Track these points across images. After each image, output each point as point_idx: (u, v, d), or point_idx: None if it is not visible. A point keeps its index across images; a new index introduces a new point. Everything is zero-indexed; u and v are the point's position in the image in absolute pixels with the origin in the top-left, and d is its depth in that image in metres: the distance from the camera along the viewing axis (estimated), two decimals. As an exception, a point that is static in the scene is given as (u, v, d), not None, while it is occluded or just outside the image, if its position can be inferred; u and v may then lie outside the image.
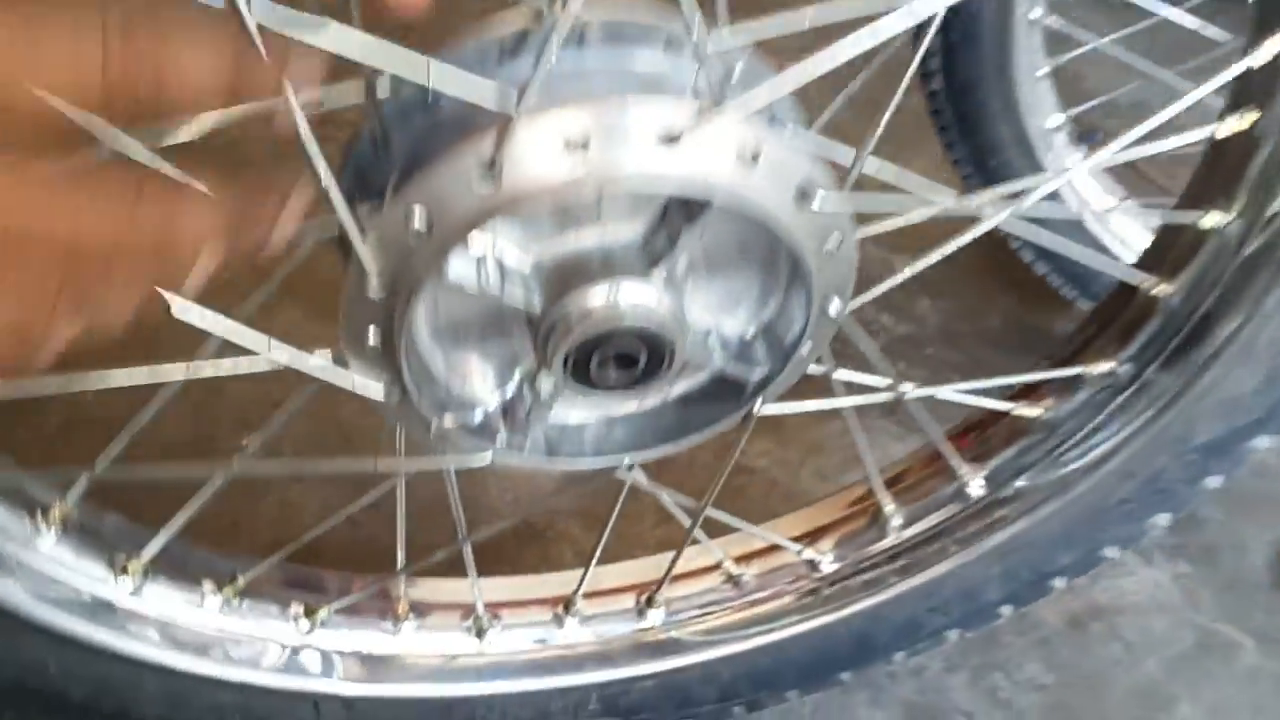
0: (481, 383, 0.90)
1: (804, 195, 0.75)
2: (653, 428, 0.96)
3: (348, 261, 0.73)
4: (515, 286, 0.77)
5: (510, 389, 0.91)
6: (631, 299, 0.77)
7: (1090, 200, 1.57)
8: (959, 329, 1.69)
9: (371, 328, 0.78)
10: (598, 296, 0.76)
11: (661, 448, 0.95)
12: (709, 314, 0.88)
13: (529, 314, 0.79)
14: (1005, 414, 1.22)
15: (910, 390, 1.03)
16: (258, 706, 1.18)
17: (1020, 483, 1.23)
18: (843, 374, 1.06)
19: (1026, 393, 1.21)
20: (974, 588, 1.27)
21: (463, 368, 0.88)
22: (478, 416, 0.91)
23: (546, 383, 0.87)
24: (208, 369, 0.82)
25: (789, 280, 0.86)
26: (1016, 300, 1.73)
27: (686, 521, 1.13)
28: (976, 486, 1.24)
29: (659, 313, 0.76)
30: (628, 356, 0.79)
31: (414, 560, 1.13)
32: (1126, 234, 1.62)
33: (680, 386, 0.94)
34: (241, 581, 1.15)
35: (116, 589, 1.06)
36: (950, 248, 0.88)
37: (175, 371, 0.83)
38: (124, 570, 1.06)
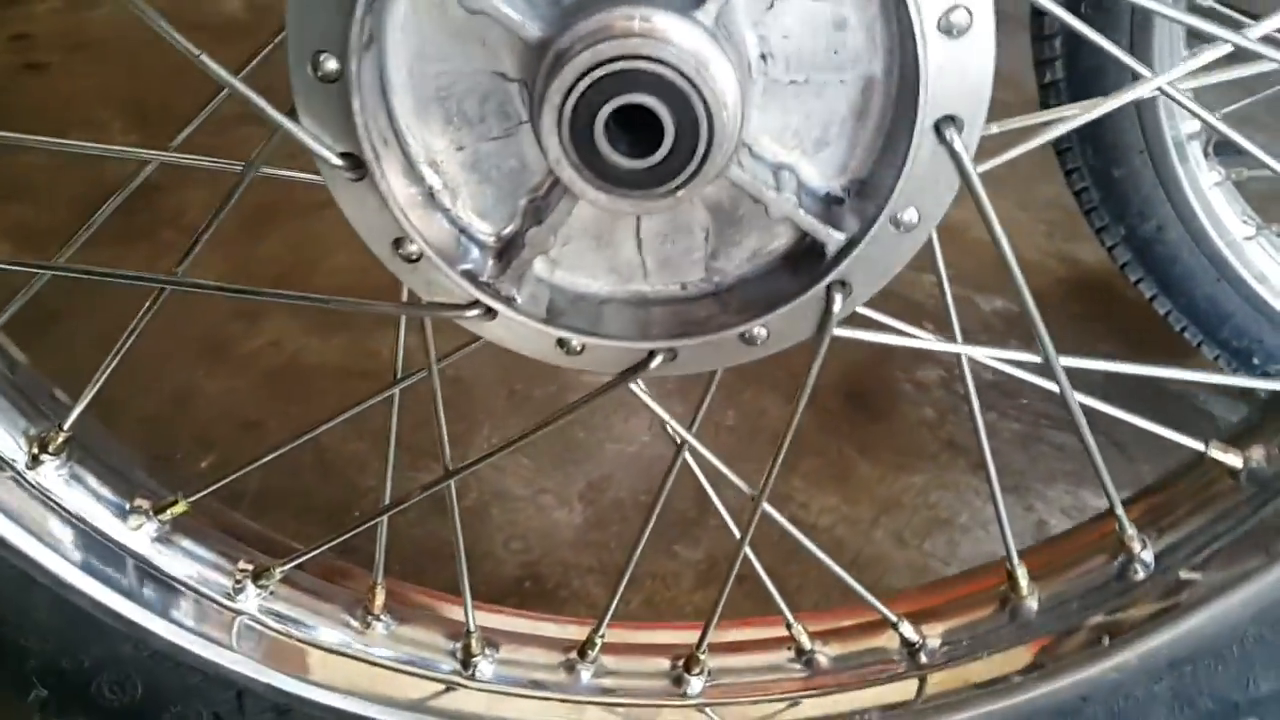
0: (474, 200, 0.69)
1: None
2: (690, 317, 0.72)
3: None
4: (511, 12, 0.58)
5: (512, 217, 0.69)
6: (660, 28, 0.56)
7: (1228, 227, 1.32)
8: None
9: (324, 52, 0.60)
10: (618, 20, 0.56)
11: (697, 339, 0.70)
12: (781, 144, 0.66)
13: (527, 42, 0.59)
14: (1196, 460, 0.90)
15: (1060, 361, 0.75)
16: (163, 673, 0.93)
17: (1202, 560, 0.90)
18: (976, 351, 0.79)
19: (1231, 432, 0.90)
20: (1130, 709, 0.92)
21: (450, 169, 0.68)
22: (465, 251, 0.70)
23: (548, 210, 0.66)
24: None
25: (893, 99, 0.63)
26: (1124, 347, 1.47)
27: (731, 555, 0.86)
28: (1144, 562, 0.91)
29: (691, 55, 0.55)
30: (645, 124, 0.57)
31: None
32: (1265, 268, 1.39)
33: (729, 254, 0.70)
34: (181, 506, 0.94)
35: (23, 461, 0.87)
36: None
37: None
38: (41, 445, 0.88)
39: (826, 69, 0.63)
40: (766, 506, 0.85)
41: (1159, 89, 0.66)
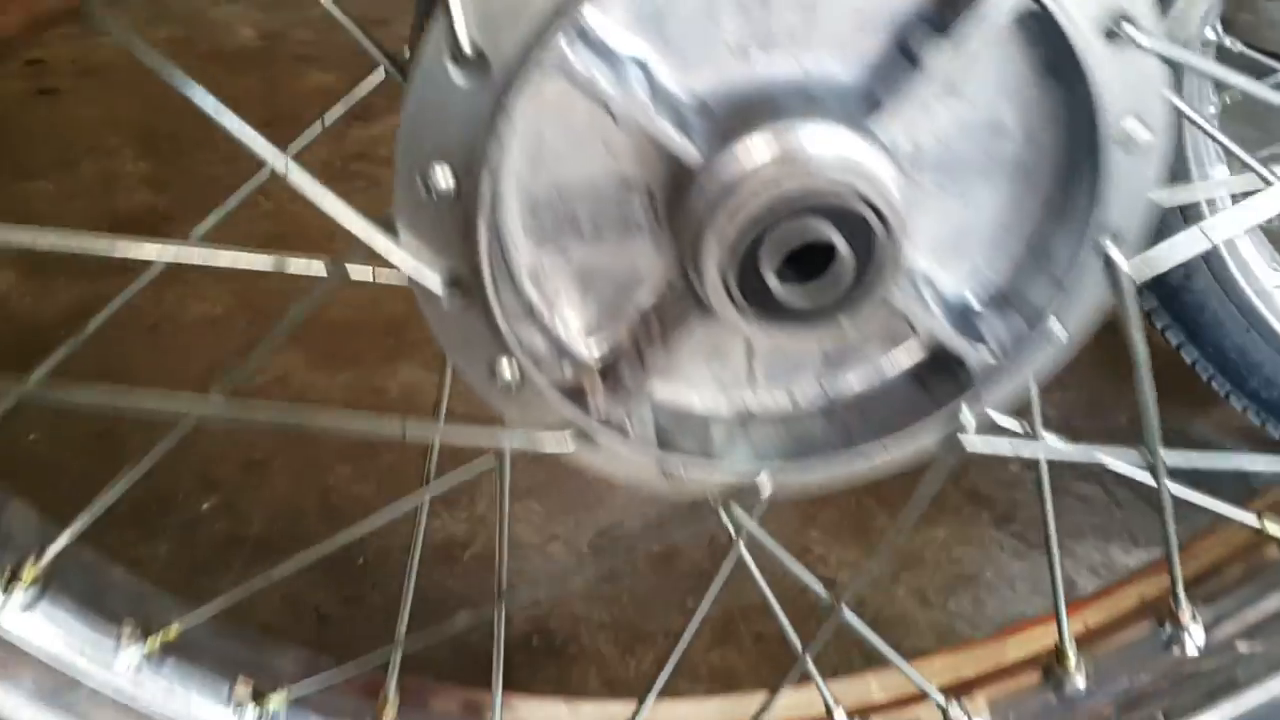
0: (578, 316, 0.62)
1: (1116, 25, 0.50)
2: (803, 434, 0.67)
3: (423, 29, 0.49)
4: (665, 113, 0.51)
5: (618, 334, 0.63)
6: (840, 152, 0.50)
7: (1258, 275, 1.32)
8: (1081, 426, 1.38)
9: (439, 165, 0.52)
10: (790, 143, 0.50)
11: (814, 461, 0.65)
12: (923, 254, 0.61)
13: (678, 165, 0.53)
14: (1253, 535, 0.90)
15: (1163, 459, 0.72)
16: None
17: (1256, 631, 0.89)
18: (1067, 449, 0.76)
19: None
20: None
21: (554, 282, 0.61)
22: (564, 371, 0.62)
23: (676, 312, 0.59)
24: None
25: (1049, 209, 0.59)
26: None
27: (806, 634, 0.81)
28: (1196, 637, 0.90)
29: (872, 179, 0.49)
30: (815, 250, 0.51)
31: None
32: None
33: (848, 367, 0.65)
34: (175, 630, 0.83)
35: None
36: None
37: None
38: (13, 577, 0.75)
39: (977, 174, 0.59)
40: (848, 612, 0.80)
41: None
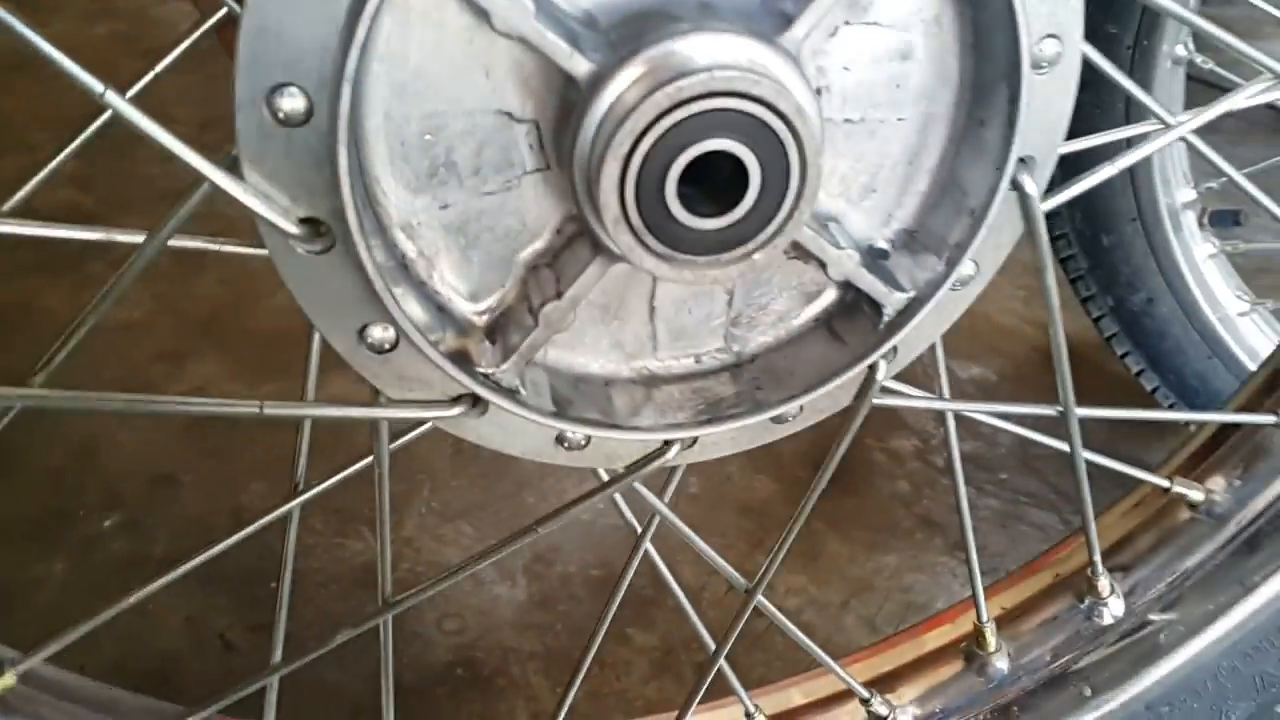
0: (460, 271, 0.56)
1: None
2: (710, 396, 0.62)
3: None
4: (551, 26, 0.46)
5: (506, 290, 0.57)
6: (748, 58, 0.46)
7: (1222, 302, 1.31)
8: (1037, 451, 1.36)
9: (288, 87, 0.45)
10: (694, 49, 0.45)
11: (725, 424, 0.60)
12: (827, 192, 0.57)
13: (567, 89, 0.48)
14: (1161, 497, 0.90)
15: (1079, 413, 0.71)
16: None
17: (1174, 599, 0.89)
18: (975, 407, 0.74)
19: (1189, 465, 0.90)
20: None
21: (432, 234, 0.54)
22: (445, 334, 0.56)
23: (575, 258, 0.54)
24: None
25: (960, 139, 0.57)
26: (1106, 422, 1.42)
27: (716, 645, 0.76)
28: (1115, 607, 0.90)
29: (785, 90, 0.45)
30: (714, 176, 0.47)
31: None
32: (1259, 344, 1.36)
33: (754, 320, 0.61)
34: (12, 677, 0.72)
35: None
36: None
37: None
38: None
39: (885, 105, 0.56)
40: (763, 600, 0.76)
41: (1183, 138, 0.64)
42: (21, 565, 1.10)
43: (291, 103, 0.46)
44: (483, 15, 0.47)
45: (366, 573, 0.87)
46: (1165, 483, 0.88)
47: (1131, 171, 1.21)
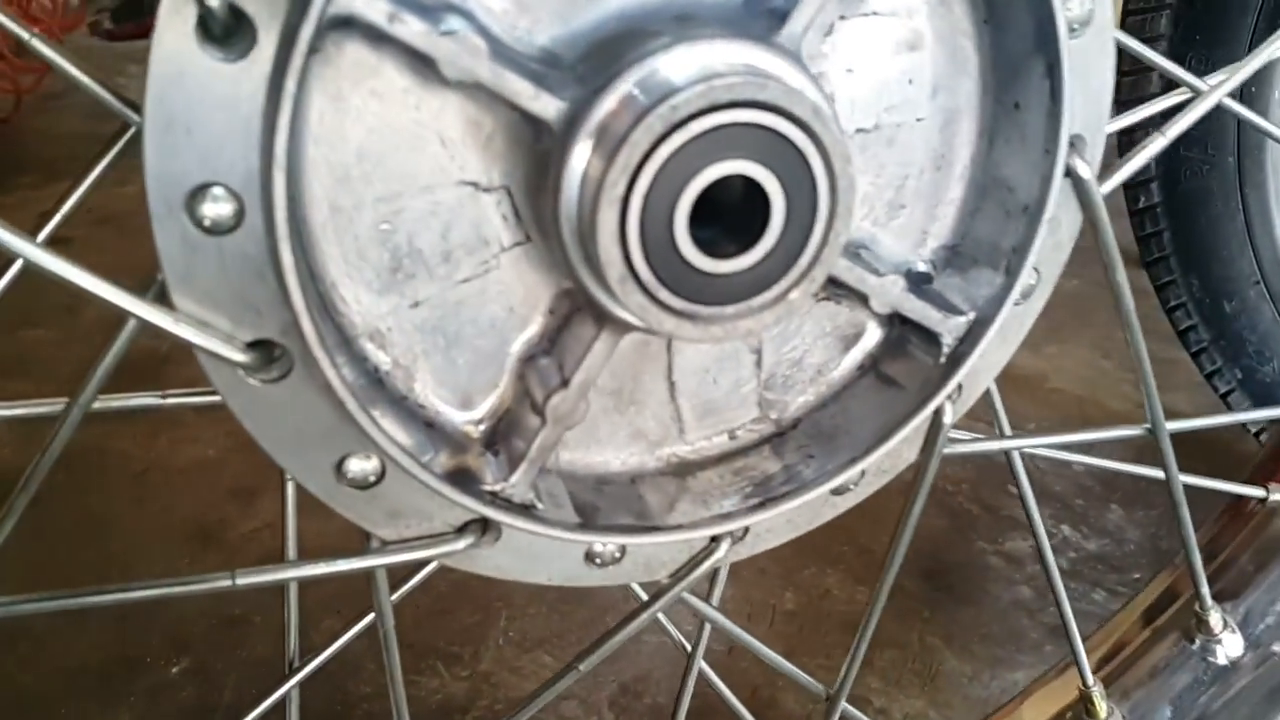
0: (445, 377, 0.49)
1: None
2: (754, 476, 0.54)
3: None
4: (509, 66, 0.40)
5: (502, 390, 0.50)
6: (749, 61, 0.40)
7: None
8: (1167, 546, 1.26)
9: (210, 188, 0.39)
10: (682, 62, 0.40)
11: (779, 506, 0.52)
12: (856, 219, 0.51)
13: (537, 141, 0.42)
14: (1251, 510, 0.82)
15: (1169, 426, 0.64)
16: None
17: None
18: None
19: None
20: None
21: (406, 340, 0.48)
22: (438, 453, 0.49)
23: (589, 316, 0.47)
24: None
25: (987, 133, 0.51)
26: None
27: None
28: (1231, 643, 0.82)
29: (800, 94, 0.39)
30: (725, 210, 0.41)
31: None
32: None
33: (791, 378, 0.54)
34: None
35: None
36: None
37: None
38: None
39: (899, 106, 0.50)
40: (849, 708, 0.67)
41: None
42: (86, 716, 1.05)
43: (216, 206, 0.40)
44: (425, 71, 0.42)
45: (443, 714, 0.78)
46: (1261, 492, 0.80)
47: (1248, 229, 1.13)
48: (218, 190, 0.40)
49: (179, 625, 1.14)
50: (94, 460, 1.39)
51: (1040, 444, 0.64)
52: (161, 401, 0.55)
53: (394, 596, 0.60)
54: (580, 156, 0.41)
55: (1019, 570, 1.23)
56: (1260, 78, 1.08)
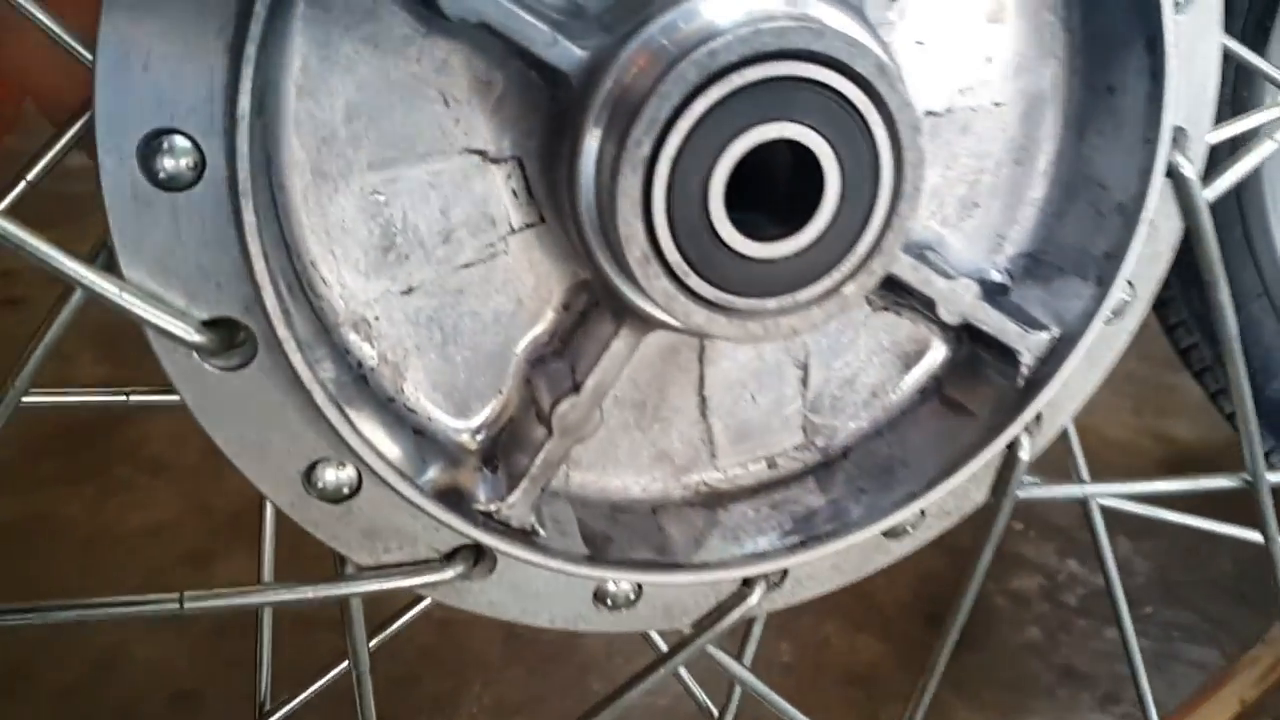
0: (439, 378, 0.43)
1: None
2: (801, 511, 0.48)
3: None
4: (528, 16, 0.35)
5: (505, 397, 0.44)
6: (801, 7, 0.34)
7: None
8: (1179, 579, 1.19)
9: (168, 137, 0.34)
10: (725, 3, 0.34)
11: (823, 547, 0.46)
12: (923, 217, 0.45)
13: (554, 101, 0.36)
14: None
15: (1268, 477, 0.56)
16: None
17: None
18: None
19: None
20: None
21: (396, 331, 0.42)
22: (427, 465, 0.43)
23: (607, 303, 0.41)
24: None
25: (1075, 123, 0.45)
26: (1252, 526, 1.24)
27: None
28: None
29: (864, 50, 0.34)
30: (788, 177, 0.35)
31: None
32: None
33: (841, 399, 0.48)
34: None
35: None
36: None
37: None
38: None
39: (975, 88, 0.44)
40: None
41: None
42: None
43: (174, 158, 0.35)
44: (428, 16, 0.36)
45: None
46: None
47: (1248, 240, 1.07)
48: (176, 138, 0.34)
49: (128, 700, 1.06)
50: (38, 527, 1.34)
51: (1127, 492, 0.56)
52: (125, 400, 0.49)
53: (373, 642, 0.54)
54: (601, 115, 0.35)
55: (1026, 610, 1.15)
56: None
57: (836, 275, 0.36)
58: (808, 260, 0.36)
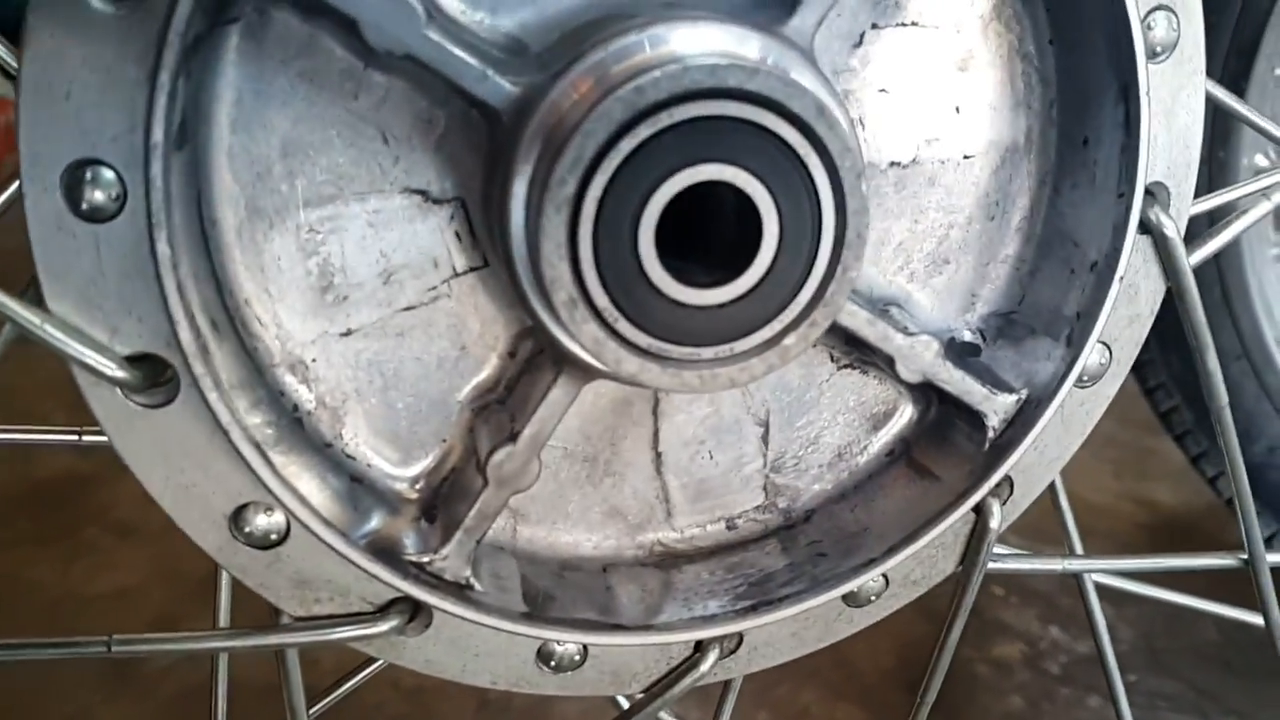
0: (380, 425, 0.42)
1: None
2: (758, 573, 0.46)
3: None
4: (459, 50, 0.34)
5: (447, 445, 0.42)
6: (737, 45, 0.34)
7: None
8: (1164, 646, 1.15)
9: (90, 168, 0.34)
10: (659, 40, 0.33)
11: (779, 610, 0.44)
12: (880, 267, 0.43)
13: (494, 139, 0.36)
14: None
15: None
16: None
17: None
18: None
19: None
20: None
21: (336, 374, 0.41)
22: (363, 515, 0.41)
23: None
24: None
25: (1050, 176, 0.43)
26: (1239, 597, 1.19)
27: None
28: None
29: (801, 89, 0.33)
30: (708, 229, 0.34)
31: None
32: None
33: (802, 460, 0.46)
34: None
35: None
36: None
37: None
38: None
39: (943, 139, 0.42)
40: None
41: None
42: None
43: (96, 189, 0.34)
44: (366, 52, 0.36)
45: None
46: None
47: (1228, 302, 1.05)
48: (100, 169, 0.34)
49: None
50: (4, 588, 1.33)
51: (1113, 568, 0.54)
52: (77, 440, 0.49)
53: (320, 705, 0.52)
54: (529, 152, 0.34)
55: (1008, 679, 1.11)
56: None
57: (777, 325, 0.35)
58: (746, 309, 0.35)
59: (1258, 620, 0.55)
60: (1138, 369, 1.11)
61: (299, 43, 0.36)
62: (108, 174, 0.34)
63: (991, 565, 0.47)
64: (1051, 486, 0.55)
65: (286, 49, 0.36)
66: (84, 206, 0.34)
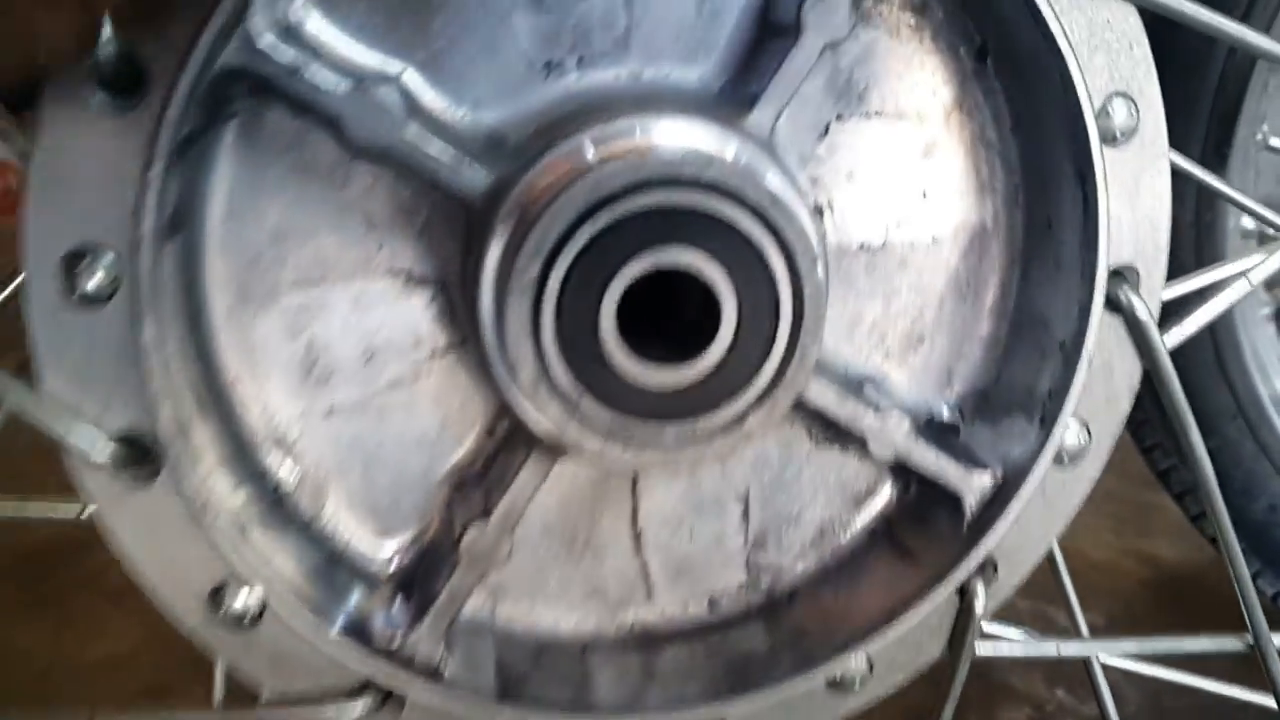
0: (360, 502, 0.43)
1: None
2: (738, 655, 0.46)
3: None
4: (436, 144, 0.36)
5: (425, 522, 0.43)
6: (697, 140, 0.35)
7: None
8: (1171, 705, 1.11)
9: (89, 257, 0.36)
10: (622, 134, 0.35)
11: (759, 694, 0.44)
12: (854, 345, 0.44)
13: (465, 199, 0.37)
14: None
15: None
16: None
17: None
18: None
19: None
20: None
21: (319, 451, 0.42)
22: (341, 594, 0.42)
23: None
24: None
25: (1018, 257, 0.44)
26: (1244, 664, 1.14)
27: None
28: None
29: (758, 181, 0.34)
30: (669, 313, 0.35)
31: None
32: None
33: (784, 537, 0.46)
34: None
35: None
36: None
37: None
38: None
39: (911, 223, 0.44)
40: None
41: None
42: None
43: (93, 273, 0.36)
44: (352, 145, 0.38)
45: None
46: None
47: (1220, 362, 1.08)
48: (97, 254, 0.36)
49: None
50: None
51: (1113, 649, 0.53)
52: (77, 519, 0.50)
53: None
54: (499, 238, 0.36)
55: None
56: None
57: (737, 405, 0.36)
58: (708, 388, 0.36)
59: (1269, 702, 0.54)
60: (1135, 428, 1.11)
61: (290, 136, 0.38)
62: (103, 259, 0.36)
63: (982, 651, 0.46)
64: (1052, 560, 0.55)
65: (278, 142, 0.38)
66: (80, 289, 0.36)
